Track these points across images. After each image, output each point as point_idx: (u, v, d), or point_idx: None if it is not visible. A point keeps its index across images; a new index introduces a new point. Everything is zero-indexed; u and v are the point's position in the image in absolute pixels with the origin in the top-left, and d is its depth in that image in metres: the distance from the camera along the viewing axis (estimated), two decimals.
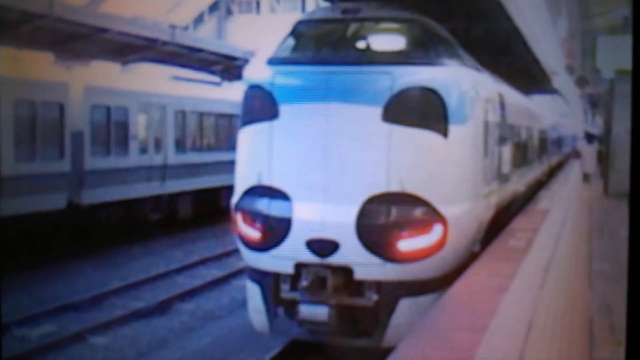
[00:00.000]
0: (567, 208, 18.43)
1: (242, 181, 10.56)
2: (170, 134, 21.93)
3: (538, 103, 33.62)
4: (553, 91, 42.66)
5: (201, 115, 24.01)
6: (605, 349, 6.83)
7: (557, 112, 47.13)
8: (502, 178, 13.62)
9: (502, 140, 13.52)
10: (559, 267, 10.73)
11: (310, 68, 10.53)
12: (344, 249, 9.63)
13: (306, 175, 9.98)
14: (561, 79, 37.03)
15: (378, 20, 11.13)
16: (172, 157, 21.96)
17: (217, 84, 27.04)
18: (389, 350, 7.25)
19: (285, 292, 10.01)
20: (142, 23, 24.32)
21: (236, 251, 19.59)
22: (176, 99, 22.44)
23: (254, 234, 10.22)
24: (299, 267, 9.82)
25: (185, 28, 34.24)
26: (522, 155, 17.78)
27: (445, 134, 9.95)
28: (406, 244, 9.71)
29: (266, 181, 10.10)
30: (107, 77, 20.46)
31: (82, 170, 18.32)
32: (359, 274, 9.72)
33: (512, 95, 17.24)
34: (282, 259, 9.95)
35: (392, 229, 9.68)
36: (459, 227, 10.11)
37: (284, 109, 10.11)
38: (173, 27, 26.05)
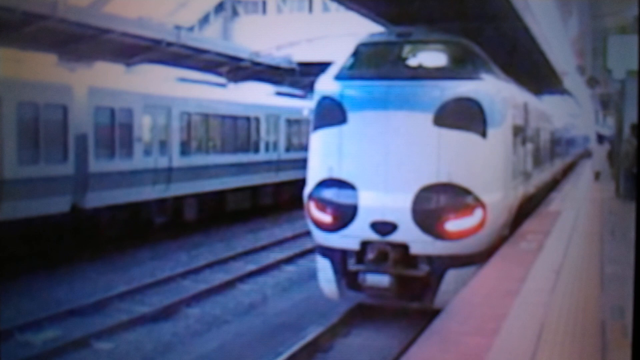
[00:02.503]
0: (578, 210, 18.37)
1: (314, 175, 12.91)
2: (175, 136, 21.78)
3: (549, 104, 33.59)
4: (564, 91, 42.55)
5: (207, 116, 23.88)
6: (618, 352, 6.76)
7: (567, 112, 47.01)
8: (526, 174, 15.99)
9: (525, 141, 15.98)
10: (570, 270, 10.74)
11: (372, 82, 12.86)
12: (401, 229, 11.95)
13: (370, 170, 12.31)
14: (572, 79, 36.91)
15: (427, 42, 13.68)
16: (177, 160, 21.81)
17: (223, 85, 26.93)
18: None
19: (352, 265, 12.40)
20: (147, 24, 24.25)
21: (242, 255, 19.71)
22: (181, 101, 22.30)
23: (325, 218, 12.59)
24: (364, 244, 12.21)
25: (191, 29, 34.15)
26: (540, 155, 19.93)
27: (484, 135, 12.29)
28: (452, 225, 11.97)
29: (336, 175, 12.48)
30: (111, 78, 20.32)
31: (86, 173, 18.17)
32: (414, 250, 12.06)
33: (532, 102, 19.58)
34: (349, 238, 12.33)
35: (441, 212, 11.96)
36: (495, 211, 12.35)
37: (351, 116, 12.53)
38: (178, 28, 25.98)
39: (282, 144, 29.04)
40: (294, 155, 30.00)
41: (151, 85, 21.63)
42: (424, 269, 12.16)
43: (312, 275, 17.82)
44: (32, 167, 16.45)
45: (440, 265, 12.10)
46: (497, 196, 12.51)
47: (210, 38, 33.71)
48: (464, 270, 12.00)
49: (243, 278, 17.21)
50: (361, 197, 12.19)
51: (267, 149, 27.86)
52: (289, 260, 19.61)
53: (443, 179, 11.94)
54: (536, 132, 18.78)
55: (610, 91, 32.81)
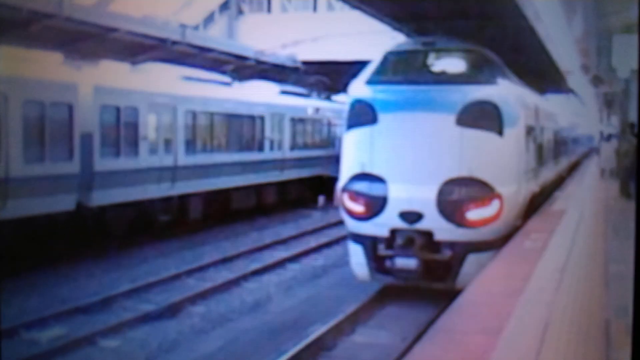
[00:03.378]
0: (582, 209, 18.36)
1: (348, 170, 14.46)
2: (180, 135, 21.81)
3: (554, 103, 33.62)
4: (568, 90, 42.41)
5: (212, 115, 23.90)
6: (622, 351, 6.74)
7: (572, 112, 46.94)
8: (536, 170, 17.29)
9: (535, 140, 17.18)
10: (574, 269, 10.76)
11: (400, 86, 14.48)
12: (427, 218, 13.55)
13: (398, 165, 13.85)
14: (576, 78, 36.80)
15: (448, 50, 15.25)
16: (182, 158, 21.84)
17: (228, 84, 26.94)
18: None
19: (382, 250, 13.96)
20: (152, 22, 24.21)
21: (247, 253, 19.74)
22: (187, 99, 22.33)
23: (358, 208, 14.15)
24: (393, 232, 13.78)
25: (196, 27, 34.13)
26: (548, 153, 21.12)
27: (500, 134, 13.87)
28: (473, 214, 13.57)
29: (368, 169, 14.01)
30: (117, 77, 20.35)
31: (91, 171, 18.20)
32: (438, 236, 13.64)
33: (540, 103, 21.04)
34: (380, 226, 13.91)
35: (463, 203, 13.51)
36: (510, 202, 13.92)
37: (382, 117, 14.08)
38: (183, 26, 25.95)
39: (286, 142, 29.07)
40: (299, 154, 30.03)
41: (156, 84, 21.66)
42: (447, 254, 13.76)
43: (317, 274, 17.97)
44: (37, 166, 16.48)
45: (462, 250, 13.66)
46: (512, 189, 14.08)
47: (215, 37, 33.70)
48: (482, 254, 13.43)
49: (248, 276, 17.24)
50: (391, 190, 13.75)
51: (271, 147, 27.88)
52: (294, 258, 19.62)
53: (464, 173, 13.51)
54: (544, 131, 19.90)
55: (615, 90, 32.78)
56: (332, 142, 34.00)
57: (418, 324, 12.72)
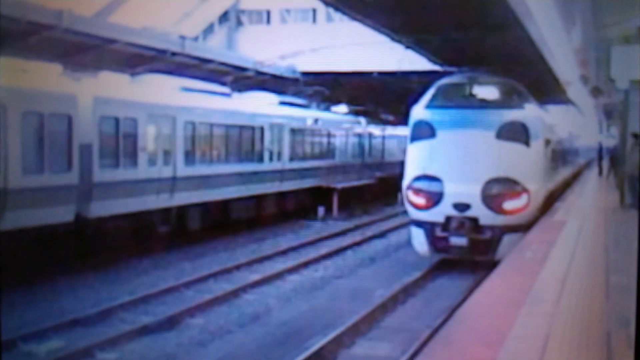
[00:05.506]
0: (583, 219, 18.36)
1: (412, 172, 19.08)
2: (179, 146, 21.77)
3: (557, 116, 33.86)
4: (567, 101, 42.44)
5: (211, 126, 23.86)
6: None
7: (572, 123, 47.11)
8: (551, 174, 21.79)
9: (551, 150, 21.58)
10: (575, 280, 10.70)
11: (452, 110, 19.28)
12: (473, 208, 18.18)
13: (451, 168, 18.48)
14: (575, 89, 36.86)
15: (488, 82, 20.11)
16: (182, 169, 21.79)
17: (227, 94, 26.93)
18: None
19: (439, 232, 18.51)
20: (152, 34, 24.23)
21: (246, 264, 19.67)
22: (186, 110, 22.30)
23: (420, 201, 18.78)
24: (448, 218, 18.36)
25: (195, 39, 34.15)
26: (559, 160, 25.72)
27: (527, 145, 18.74)
28: (508, 204, 18.25)
29: (428, 172, 18.65)
30: (116, 88, 20.31)
31: (90, 182, 18.16)
32: (482, 221, 18.22)
33: (553, 120, 25.97)
34: (438, 214, 18.48)
35: (501, 196, 18.21)
36: (535, 196, 18.59)
37: (439, 133, 18.88)
38: (183, 37, 25.98)
39: (286, 153, 29.04)
40: (298, 164, 30.00)
41: (156, 95, 21.62)
42: (488, 234, 18.26)
43: (316, 285, 17.90)
44: (36, 177, 16.43)
45: (499, 231, 18.19)
46: (536, 186, 18.74)
47: (215, 48, 33.74)
48: (514, 235, 17.59)
49: (247, 288, 17.16)
50: (446, 187, 18.33)
51: (271, 158, 27.85)
52: (293, 270, 19.55)
53: (502, 174, 18.27)
54: (556, 143, 24.10)
55: (614, 101, 32.81)
56: (332, 153, 33.98)
57: (421, 334, 12.66)
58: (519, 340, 7.47)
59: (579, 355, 7.10)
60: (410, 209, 19.17)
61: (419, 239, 19.10)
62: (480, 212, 18.15)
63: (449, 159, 18.62)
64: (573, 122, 48.06)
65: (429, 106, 19.62)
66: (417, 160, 19.09)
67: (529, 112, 19.48)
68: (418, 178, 18.81)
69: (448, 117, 19.08)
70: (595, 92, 33.44)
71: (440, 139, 18.82)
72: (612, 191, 25.91)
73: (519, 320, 8.21)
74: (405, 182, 19.15)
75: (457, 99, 19.63)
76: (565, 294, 9.63)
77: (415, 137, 19.44)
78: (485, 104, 19.45)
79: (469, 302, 9.71)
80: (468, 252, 18.37)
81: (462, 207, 18.20)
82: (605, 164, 37.58)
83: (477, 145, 18.50)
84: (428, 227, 18.70)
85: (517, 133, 18.67)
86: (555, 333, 7.75)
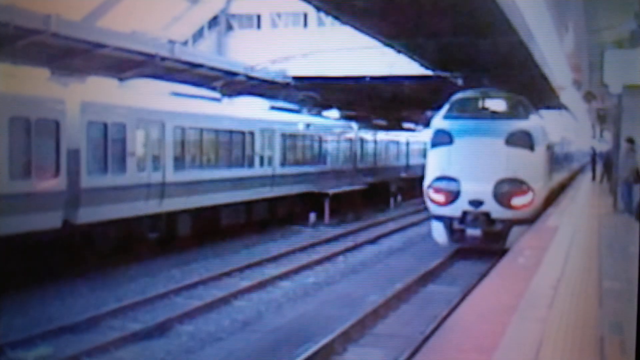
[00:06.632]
0: (576, 225, 18.32)
1: (432, 173, 21.87)
2: (168, 151, 21.60)
3: (551, 122, 34.02)
4: (561, 106, 42.47)
5: (201, 131, 23.72)
6: None
7: (565, 128, 47.28)
8: (551, 174, 24.52)
9: (550, 154, 24.29)
10: (568, 286, 10.71)
11: (467, 120, 22.11)
12: (486, 204, 20.87)
13: (467, 170, 21.16)
14: (569, 94, 36.90)
15: (497, 96, 22.99)
16: (171, 175, 21.63)
17: (217, 99, 26.80)
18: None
19: (456, 225, 21.27)
20: (140, 38, 24.12)
21: (236, 271, 19.53)
22: (175, 115, 22.14)
23: (440, 198, 21.46)
24: (464, 213, 21.08)
25: (185, 43, 34.05)
26: (557, 163, 28.21)
27: (532, 150, 21.51)
28: (516, 201, 20.94)
29: (446, 173, 21.38)
30: (104, 93, 20.15)
31: (78, 188, 17.97)
32: (494, 215, 20.93)
33: (551, 127, 28.23)
34: (455, 209, 21.17)
35: (509, 193, 20.90)
36: (538, 194, 21.35)
37: (456, 140, 21.61)
38: (172, 42, 25.85)
39: (277, 158, 28.91)
40: (289, 170, 29.88)
41: (144, 100, 21.48)
42: (499, 226, 21.00)
43: (307, 292, 17.78)
44: (23, 183, 16.25)
45: (509, 224, 20.90)
46: (539, 185, 21.60)
47: (205, 52, 33.64)
48: (521, 227, 20.04)
49: (237, 294, 17.03)
50: (462, 186, 21.08)
51: (261, 163, 27.72)
52: (284, 276, 19.42)
53: (510, 175, 20.98)
54: (555, 148, 26.95)
55: (607, 105, 32.81)
56: (323, 158, 33.87)
57: (414, 340, 12.55)
58: (512, 346, 7.44)
59: None
60: (431, 205, 21.93)
61: (438, 231, 21.92)
62: (492, 208, 20.90)
63: (464, 162, 21.35)
64: (566, 127, 48.20)
65: (446, 117, 22.59)
66: (437, 163, 21.93)
67: (533, 122, 22.60)
68: (438, 179, 21.59)
69: (463, 127, 21.92)
70: (589, 96, 33.47)
71: (457, 145, 21.61)
72: (606, 196, 25.92)
73: (512, 326, 8.18)
74: (427, 182, 21.99)
75: (471, 111, 22.53)
76: (559, 300, 9.64)
77: (435, 144, 22.26)
78: (495, 115, 22.33)
79: (462, 308, 9.66)
80: (482, 242, 21.15)
81: (476, 203, 20.99)
82: (599, 169, 37.59)
83: (489, 150, 21.28)
84: (447, 221, 21.48)
85: (523, 140, 21.41)
86: (548, 339, 7.72)
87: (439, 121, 22.73)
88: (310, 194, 31.76)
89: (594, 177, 38.66)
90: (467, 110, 22.53)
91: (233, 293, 17.01)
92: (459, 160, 21.40)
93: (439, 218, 21.73)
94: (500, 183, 20.86)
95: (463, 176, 21.13)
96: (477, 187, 20.92)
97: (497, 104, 22.65)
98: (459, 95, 23.40)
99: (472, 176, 21.07)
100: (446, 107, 23.04)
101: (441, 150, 21.85)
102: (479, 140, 21.56)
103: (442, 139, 21.86)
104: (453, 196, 21.15)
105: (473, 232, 21.04)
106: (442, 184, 21.38)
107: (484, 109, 22.66)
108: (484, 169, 21.08)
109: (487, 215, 20.92)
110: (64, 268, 17.82)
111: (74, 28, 20.73)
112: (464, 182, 21.06)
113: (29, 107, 16.64)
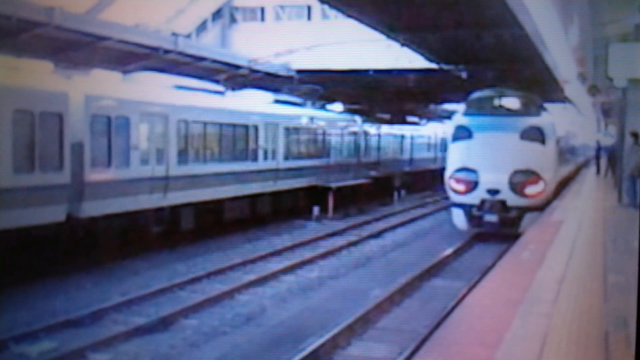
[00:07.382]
0: (580, 219, 18.28)
1: (453, 164, 24.36)
2: (172, 145, 21.57)
3: (557, 115, 34.10)
4: (565, 100, 42.34)
5: (205, 125, 23.68)
6: None
7: (571, 121, 47.26)
8: (561, 166, 27.12)
9: (560, 147, 26.66)
10: (573, 280, 10.70)
11: (485, 117, 24.64)
12: (502, 192, 23.29)
13: (485, 162, 23.60)
14: (573, 88, 36.82)
15: (512, 95, 25.35)
16: (175, 169, 21.60)
17: (221, 93, 26.75)
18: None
19: (475, 211, 23.65)
20: (144, 31, 24.08)
21: (240, 265, 19.51)
22: (179, 109, 22.10)
23: (460, 187, 23.92)
24: (482, 200, 23.50)
25: (188, 36, 34.00)
26: (566, 155, 30.85)
27: (544, 143, 24.01)
28: (529, 190, 23.35)
29: (466, 165, 23.82)
30: (108, 86, 20.12)
31: (81, 182, 17.96)
32: (509, 203, 23.36)
33: (559, 122, 30.30)
34: (474, 198, 23.61)
35: (524, 182, 23.31)
36: (549, 183, 23.80)
37: (475, 134, 24.19)
38: (175, 35, 25.80)
39: (280, 152, 28.86)
40: (293, 163, 29.83)
41: (148, 93, 21.44)
42: (514, 213, 23.37)
43: (312, 286, 17.75)
44: (27, 176, 16.24)
45: (522, 211, 23.27)
46: (550, 175, 24.02)
47: (208, 45, 33.59)
48: (533, 213, 22.48)
49: (241, 288, 17.01)
50: (481, 176, 23.58)
51: (265, 157, 27.68)
52: (288, 270, 19.40)
53: (524, 166, 23.45)
54: (563, 141, 29.15)
55: (612, 99, 32.73)
56: (327, 152, 33.82)
57: (418, 334, 12.54)
58: (516, 341, 7.45)
59: (577, 356, 7.11)
60: (452, 194, 24.45)
61: (459, 218, 24.45)
62: (508, 196, 23.34)
63: (483, 155, 23.82)
64: (571, 121, 48.16)
65: (466, 114, 25.40)
66: (457, 155, 24.43)
67: (545, 119, 25.20)
68: (458, 170, 24.07)
69: (482, 123, 24.47)
70: (593, 90, 33.36)
71: (475, 140, 24.17)
72: (610, 190, 25.90)
73: (517, 321, 8.20)
74: (448, 173, 24.61)
75: (488, 108, 25.08)
76: (563, 294, 9.64)
77: (455, 138, 24.87)
78: (511, 112, 24.85)
79: (466, 302, 9.64)
80: (498, 227, 23.38)
81: (493, 192, 23.43)
82: (603, 162, 37.50)
83: (504, 144, 23.81)
84: (466, 208, 23.96)
85: (536, 135, 23.91)
86: (553, 333, 7.74)
87: (459, 118, 25.61)
88: (314, 188, 31.72)
89: (598, 171, 38.55)
90: (485, 108, 25.06)
91: (237, 287, 17.00)
92: (477, 153, 23.90)
93: (459, 205, 24.20)
94: (515, 174, 23.29)
95: (481, 167, 23.59)
96: (494, 177, 23.39)
97: (511, 102, 25.13)
98: (477, 94, 25.85)
99: (489, 167, 23.53)
100: (465, 105, 26.03)
101: (461, 144, 24.42)
102: (495, 135, 24.10)
103: (462, 134, 24.46)
104: (472, 185, 23.63)
105: (490, 218, 23.44)
106: (463, 175, 23.87)
107: (500, 106, 25.14)
108: (501, 161, 23.51)
109: (503, 202, 23.34)
110: (68, 262, 17.81)
111: (77, 21, 20.70)
112: (482, 172, 23.53)
113: (33, 100, 16.62)
